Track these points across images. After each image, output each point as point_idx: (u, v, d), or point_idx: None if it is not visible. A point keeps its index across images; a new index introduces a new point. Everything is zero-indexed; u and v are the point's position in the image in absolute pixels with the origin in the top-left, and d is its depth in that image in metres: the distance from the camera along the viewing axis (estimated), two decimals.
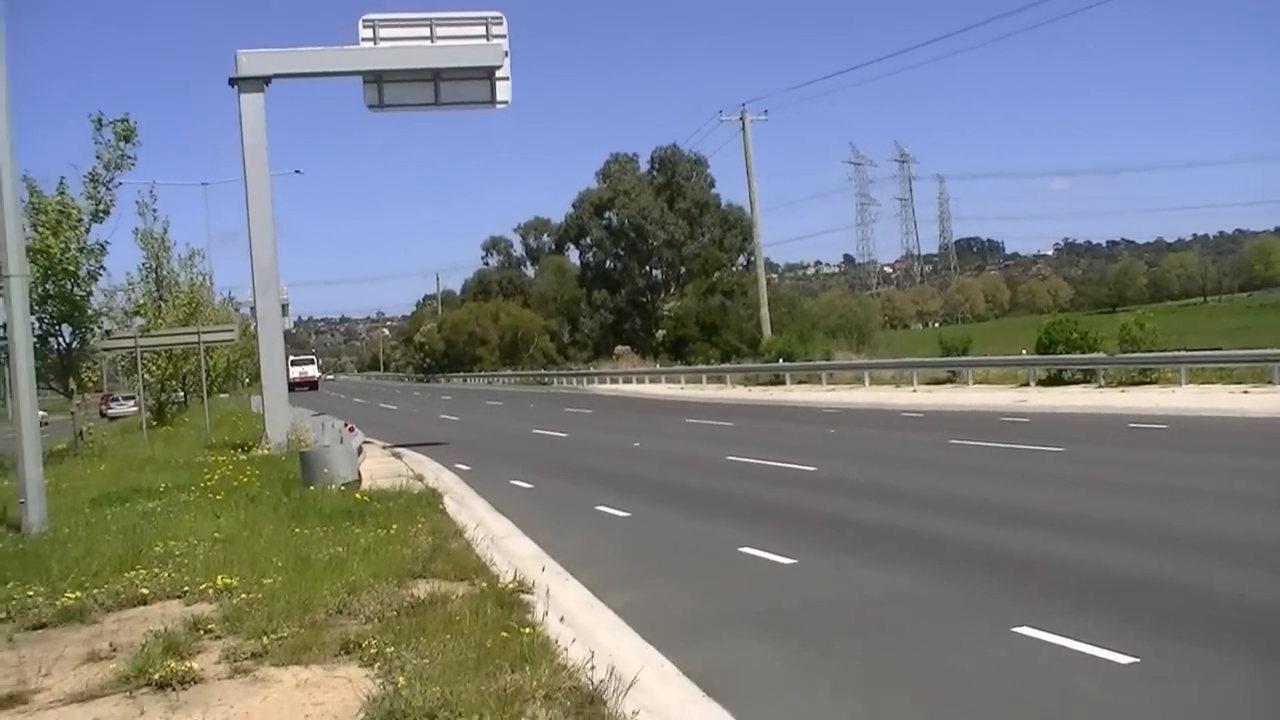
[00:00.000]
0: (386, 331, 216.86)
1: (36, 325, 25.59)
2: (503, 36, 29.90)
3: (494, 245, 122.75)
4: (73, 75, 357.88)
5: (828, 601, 9.99)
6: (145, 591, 10.25)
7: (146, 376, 41.77)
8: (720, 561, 12.13)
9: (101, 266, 28.45)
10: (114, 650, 8.32)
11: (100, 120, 27.31)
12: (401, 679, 6.96)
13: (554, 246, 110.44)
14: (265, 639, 8.25)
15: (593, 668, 7.31)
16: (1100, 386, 33.45)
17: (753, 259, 70.85)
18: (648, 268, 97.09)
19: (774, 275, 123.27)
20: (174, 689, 7.40)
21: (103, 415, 67.99)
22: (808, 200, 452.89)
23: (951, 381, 40.72)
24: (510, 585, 10.03)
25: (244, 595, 9.70)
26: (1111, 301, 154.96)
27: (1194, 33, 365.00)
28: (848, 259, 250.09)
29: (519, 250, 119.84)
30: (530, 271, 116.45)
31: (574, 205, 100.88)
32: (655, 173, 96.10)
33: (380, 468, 23.15)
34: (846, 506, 15.47)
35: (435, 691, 6.68)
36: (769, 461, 21.10)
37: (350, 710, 6.78)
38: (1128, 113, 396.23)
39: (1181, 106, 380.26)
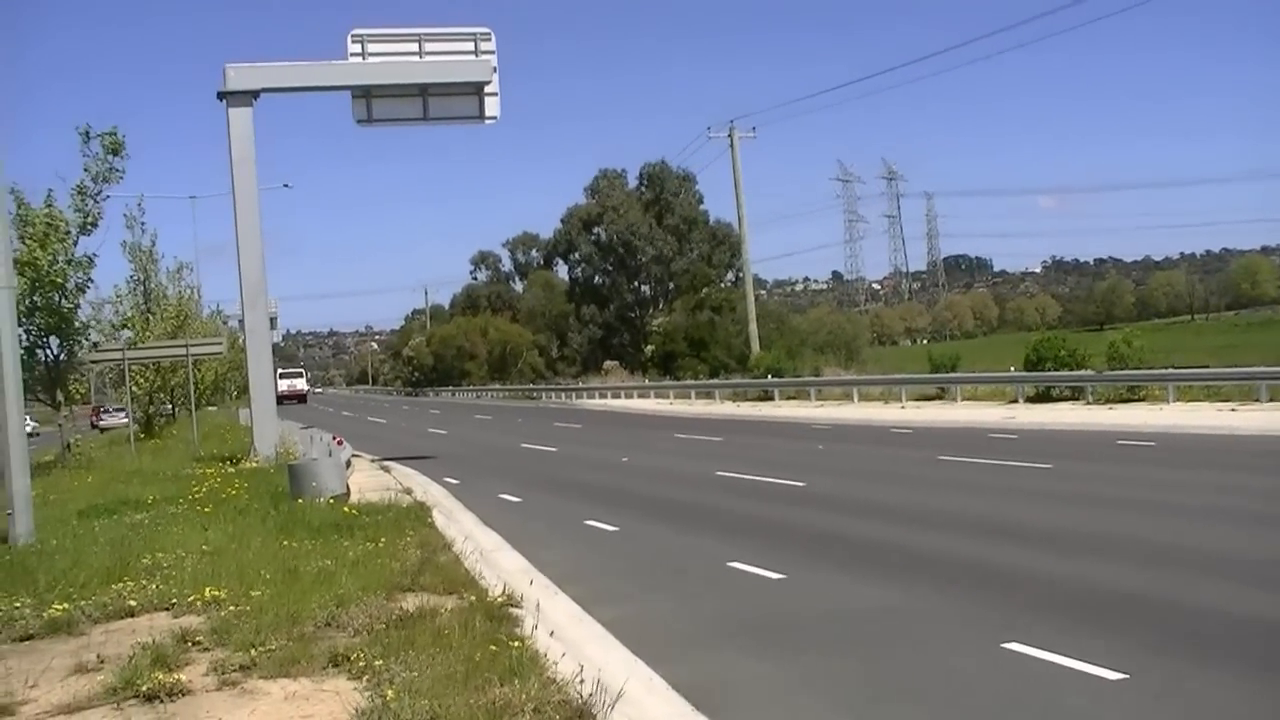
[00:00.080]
0: (375, 345, 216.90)
1: (24, 337, 25.50)
2: (491, 53, 29.95)
3: (483, 260, 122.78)
4: (59, 87, 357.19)
5: (816, 616, 9.99)
6: (133, 603, 10.21)
7: (134, 389, 41.63)
8: (709, 576, 12.13)
9: (89, 279, 28.40)
10: (101, 662, 8.29)
11: (88, 133, 27.27)
12: (390, 692, 6.95)
13: (542, 261, 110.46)
14: (253, 651, 8.22)
15: (581, 681, 7.30)
16: (1088, 403, 33.52)
17: (741, 275, 70.96)
18: (636, 283, 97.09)
19: (762, 291, 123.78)
20: (161, 701, 7.38)
21: (94, 426, 68.13)
22: (796, 217, 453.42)
23: (940, 398, 40.77)
24: (499, 599, 10.02)
25: (232, 607, 9.68)
26: (1099, 319, 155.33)
27: (1183, 49, 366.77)
28: (836, 276, 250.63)
29: (507, 265, 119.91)
30: (519, 286, 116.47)
31: (562, 220, 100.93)
32: (644, 189, 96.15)
33: (369, 481, 23.11)
34: (835, 522, 15.48)
35: (424, 705, 6.68)
36: (758, 477, 21.11)
37: None
38: (1116, 131, 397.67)
39: (1170, 125, 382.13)
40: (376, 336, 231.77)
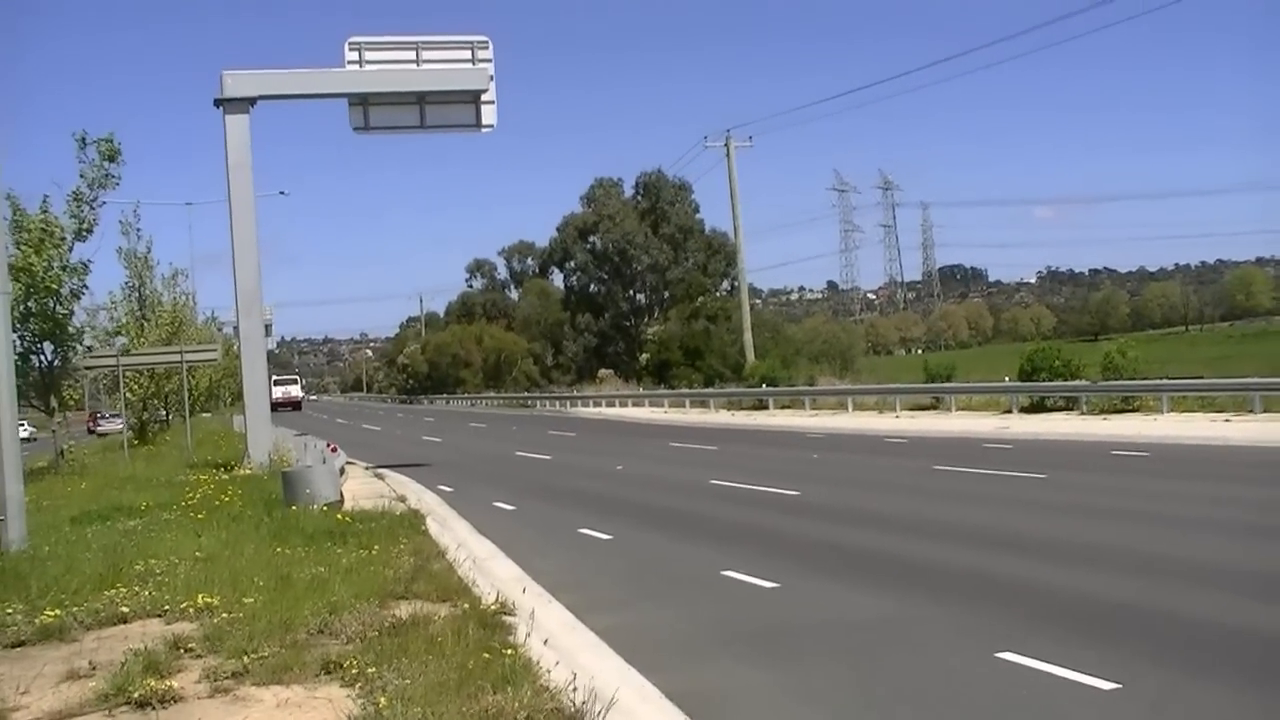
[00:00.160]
0: (370, 353, 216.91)
1: (18, 343, 25.51)
2: (488, 61, 29.97)
3: (478, 268, 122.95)
4: (56, 93, 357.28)
5: (810, 625, 9.99)
6: (125, 610, 10.19)
7: (129, 395, 41.63)
8: (703, 585, 12.12)
9: (84, 285, 28.44)
10: (93, 668, 8.27)
11: (84, 139, 27.31)
12: (383, 699, 6.94)
13: (538, 270, 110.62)
14: (246, 658, 8.21)
15: (575, 689, 7.30)
16: (1083, 414, 33.56)
17: (736, 284, 71.06)
18: (631, 292, 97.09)
19: (758, 300, 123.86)
20: (154, 708, 7.37)
21: (91, 432, 68.40)
22: (792, 226, 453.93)
23: (935, 407, 40.81)
24: (492, 607, 10.01)
25: (225, 614, 9.66)
26: (1094, 330, 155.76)
27: (1180, 61, 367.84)
28: (831, 285, 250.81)
29: (503, 273, 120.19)
30: (514, 295, 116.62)
31: (558, 229, 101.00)
32: (640, 197, 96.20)
33: (363, 488, 23.09)
34: (829, 531, 15.47)
35: (417, 712, 6.67)
36: (752, 486, 21.10)
37: None
38: (1111, 142, 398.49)
39: (1165, 136, 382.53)
40: (371, 344, 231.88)
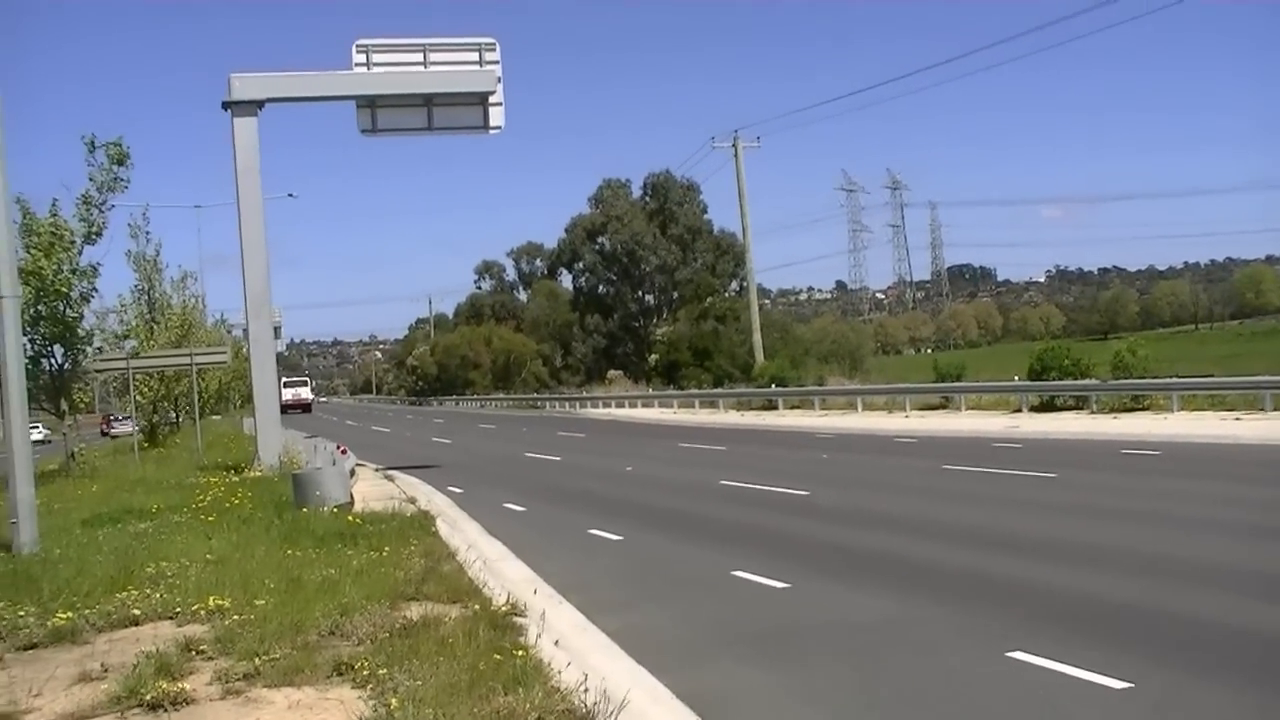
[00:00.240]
0: (379, 354, 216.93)
1: (29, 346, 25.56)
2: (496, 62, 29.97)
3: (487, 269, 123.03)
4: (64, 96, 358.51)
5: (821, 626, 9.98)
6: (137, 612, 10.21)
7: (138, 398, 41.71)
8: (713, 585, 12.11)
9: (94, 288, 28.47)
10: (105, 671, 8.29)
11: (93, 143, 27.34)
12: (394, 701, 6.94)
13: (546, 271, 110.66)
14: (257, 660, 8.22)
15: (586, 690, 7.29)
16: (1092, 413, 33.51)
17: (745, 284, 71.05)
18: (640, 293, 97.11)
19: (766, 301, 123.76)
20: (165, 710, 7.38)
21: (104, 434, 68.89)
22: (800, 226, 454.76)
23: (944, 407, 40.76)
24: (503, 608, 10.01)
25: (236, 616, 9.67)
26: (1103, 329, 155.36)
27: (1189, 60, 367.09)
28: (840, 285, 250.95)
29: (511, 274, 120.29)
30: (523, 296, 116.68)
31: (567, 230, 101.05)
32: (648, 198, 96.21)
33: (373, 490, 23.11)
34: (839, 532, 15.45)
35: (428, 713, 6.68)
36: (762, 486, 21.08)
37: None
38: (1120, 141, 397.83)
39: (1174, 135, 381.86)
40: (381, 346, 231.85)
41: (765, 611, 10.72)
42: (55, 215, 26.82)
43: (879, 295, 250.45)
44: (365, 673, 7.80)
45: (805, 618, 10.34)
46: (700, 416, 52.87)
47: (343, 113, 30.34)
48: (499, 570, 13.44)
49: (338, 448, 27.46)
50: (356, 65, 29.30)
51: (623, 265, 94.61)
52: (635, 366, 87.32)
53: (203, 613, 10.05)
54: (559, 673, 7.85)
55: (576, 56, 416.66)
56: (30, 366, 24.82)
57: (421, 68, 29.60)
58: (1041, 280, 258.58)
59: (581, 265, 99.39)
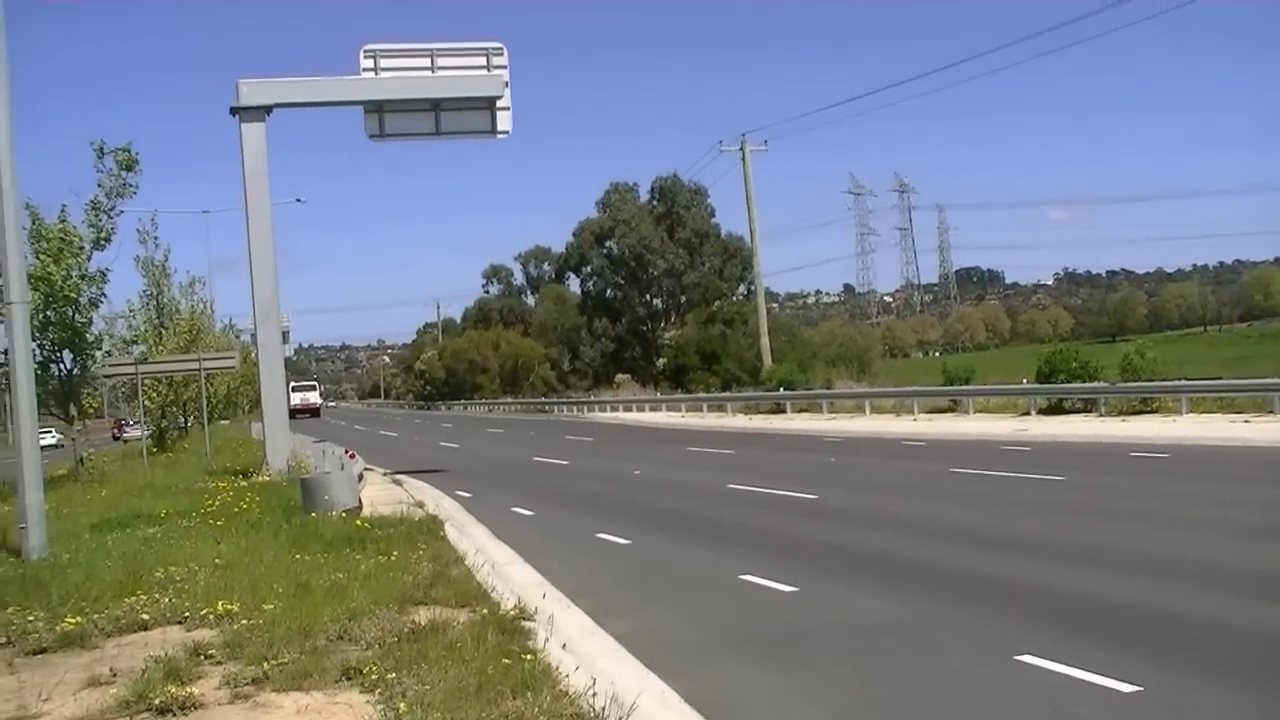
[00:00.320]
0: (387, 359, 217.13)
1: (37, 352, 25.57)
2: (503, 67, 29.98)
3: (495, 273, 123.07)
4: (72, 101, 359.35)
5: (828, 629, 9.97)
6: (146, 617, 10.23)
7: (147, 403, 41.76)
8: (721, 589, 12.11)
9: (103, 294, 28.48)
10: (114, 675, 8.30)
11: (102, 149, 27.36)
12: (403, 705, 6.95)
13: (554, 275, 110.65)
14: (266, 665, 8.23)
15: (594, 694, 7.30)
16: (1101, 415, 33.46)
17: (753, 288, 71.01)
18: (648, 297, 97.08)
19: (774, 304, 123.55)
20: (174, 714, 7.39)
21: (116, 439, 69.05)
22: (808, 230, 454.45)
23: (952, 410, 40.73)
24: (511, 612, 10.01)
25: (245, 621, 9.68)
26: (1111, 331, 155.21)
27: (1195, 60, 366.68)
28: (848, 288, 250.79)
29: (519, 279, 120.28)
30: (531, 300, 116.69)
31: (574, 234, 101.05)
32: (655, 202, 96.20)
33: (381, 494, 23.11)
34: (847, 534, 15.44)
35: (437, 718, 6.69)
36: (770, 489, 21.08)
37: None
38: (1128, 143, 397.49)
39: (1182, 137, 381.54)
40: (389, 350, 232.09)
41: (773, 615, 10.72)
42: (64, 221, 26.86)
43: (887, 298, 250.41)
44: (374, 677, 7.80)
45: (813, 621, 10.33)
46: (708, 420, 52.87)
47: (350, 118, 30.35)
48: (507, 574, 13.44)
49: (346, 452, 27.49)
50: (364, 70, 29.32)
51: (630, 269, 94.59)
52: (643, 370, 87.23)
53: (211, 617, 10.05)
54: (567, 676, 7.85)
55: (583, 61, 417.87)
56: (39, 372, 24.87)
57: (429, 73, 29.61)
58: (1049, 283, 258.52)
59: (589, 269, 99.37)
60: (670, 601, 11.77)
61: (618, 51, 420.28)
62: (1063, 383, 36.81)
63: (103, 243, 27.55)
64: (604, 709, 7.03)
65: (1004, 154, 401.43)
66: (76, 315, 27.40)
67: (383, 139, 30.47)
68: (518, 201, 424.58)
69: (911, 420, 39.58)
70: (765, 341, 61.18)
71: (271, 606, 10.07)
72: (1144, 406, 33.45)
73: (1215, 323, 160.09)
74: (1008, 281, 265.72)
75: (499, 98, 29.89)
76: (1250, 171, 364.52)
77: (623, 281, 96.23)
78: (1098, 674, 7.81)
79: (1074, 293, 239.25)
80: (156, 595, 11.07)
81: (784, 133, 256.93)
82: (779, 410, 50.49)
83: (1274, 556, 12.00)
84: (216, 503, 19.22)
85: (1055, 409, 36.13)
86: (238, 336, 65.80)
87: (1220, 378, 35.39)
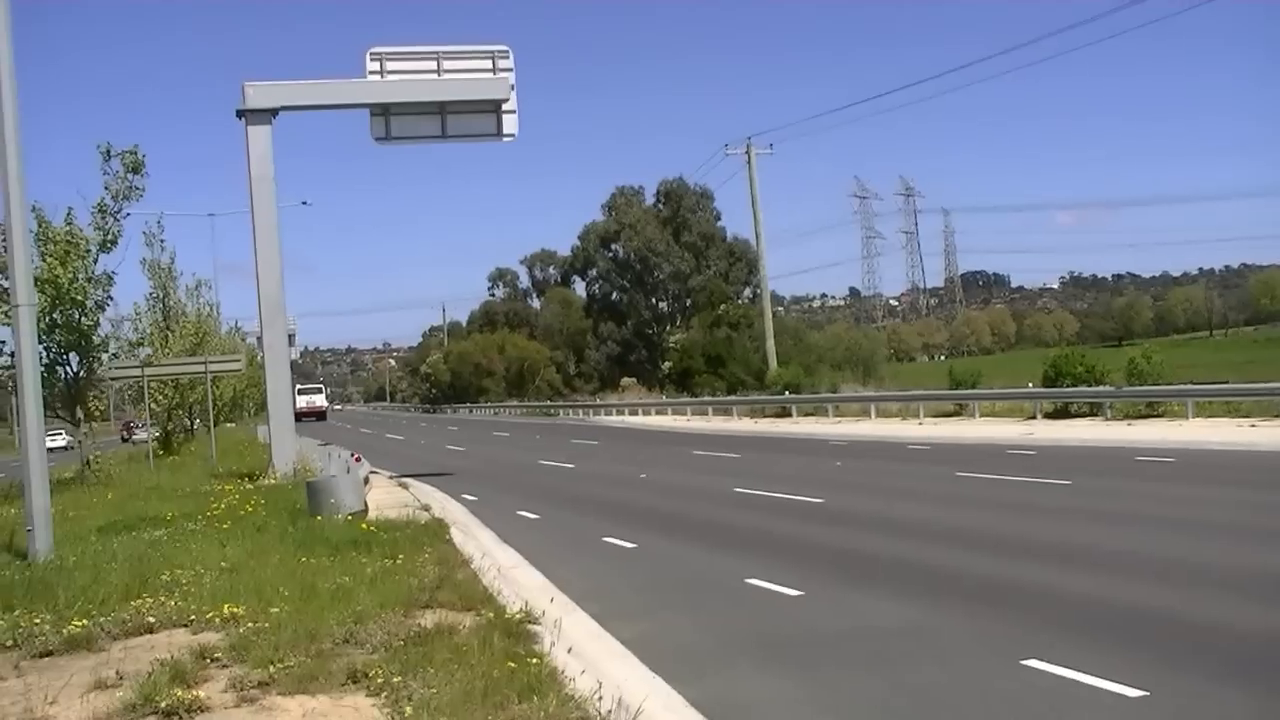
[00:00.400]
0: (393, 362, 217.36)
1: (44, 354, 25.58)
2: (509, 70, 30.03)
3: (500, 277, 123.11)
4: (79, 104, 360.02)
5: (834, 633, 9.96)
6: (152, 620, 10.22)
7: (153, 406, 41.78)
8: (727, 593, 12.10)
9: (109, 296, 28.48)
10: (120, 678, 8.30)
11: (109, 151, 27.35)
12: (408, 709, 6.95)
13: (560, 278, 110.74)
14: (272, 668, 8.22)
15: (600, 699, 7.30)
16: (1107, 419, 33.41)
17: (758, 291, 71.07)
18: (654, 300, 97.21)
19: (780, 308, 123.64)
20: (180, 718, 7.38)
21: (125, 440, 69.25)
22: (813, 233, 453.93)
23: (958, 414, 40.69)
24: (517, 616, 10.00)
25: (250, 624, 9.68)
26: (1117, 335, 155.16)
27: (1200, 63, 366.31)
28: (853, 292, 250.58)
29: (525, 282, 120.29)
30: (536, 303, 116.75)
31: (580, 237, 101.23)
32: (661, 205, 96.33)
33: (387, 498, 23.11)
34: (853, 538, 15.44)
35: None
36: (775, 493, 21.07)
37: None
38: (1134, 146, 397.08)
39: (1188, 140, 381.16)
40: (394, 353, 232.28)
41: (779, 619, 10.71)
42: (71, 223, 26.86)
43: (892, 302, 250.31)
44: (379, 680, 7.79)
45: (819, 625, 10.32)
46: (714, 423, 52.86)
47: (356, 120, 30.44)
48: (513, 578, 13.45)
49: (352, 455, 27.52)
50: (370, 73, 29.38)
51: (636, 272, 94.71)
52: (649, 373, 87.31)
53: (217, 620, 10.05)
54: (573, 681, 7.85)
55: (589, 64, 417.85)
56: (45, 374, 24.85)
57: (435, 76, 29.65)
58: (1055, 286, 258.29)
59: (595, 272, 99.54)
60: (676, 605, 11.77)
61: (623, 55, 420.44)
62: (1068, 387, 36.77)
63: (109, 245, 27.55)
64: (610, 713, 7.03)
65: (1010, 157, 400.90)
66: (83, 318, 27.38)
67: (388, 142, 30.55)
68: (523, 205, 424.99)
69: (917, 424, 39.55)
70: (771, 345, 61.13)
71: (277, 610, 10.06)
72: (1150, 410, 33.40)
73: (1221, 327, 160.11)
74: (1013, 285, 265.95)
75: (504, 101, 29.94)
76: (1257, 175, 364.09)
77: (628, 285, 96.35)
78: (1104, 679, 7.80)
79: (1080, 296, 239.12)
80: (162, 598, 11.06)
81: (789, 136, 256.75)
82: (784, 414, 50.46)
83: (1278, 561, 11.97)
84: (222, 506, 19.21)
85: (1061, 413, 36.08)
86: (243, 339, 65.82)
87: (1226, 382, 35.34)
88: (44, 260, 25.63)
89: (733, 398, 59.31)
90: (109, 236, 27.40)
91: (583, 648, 9.45)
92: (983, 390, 42.58)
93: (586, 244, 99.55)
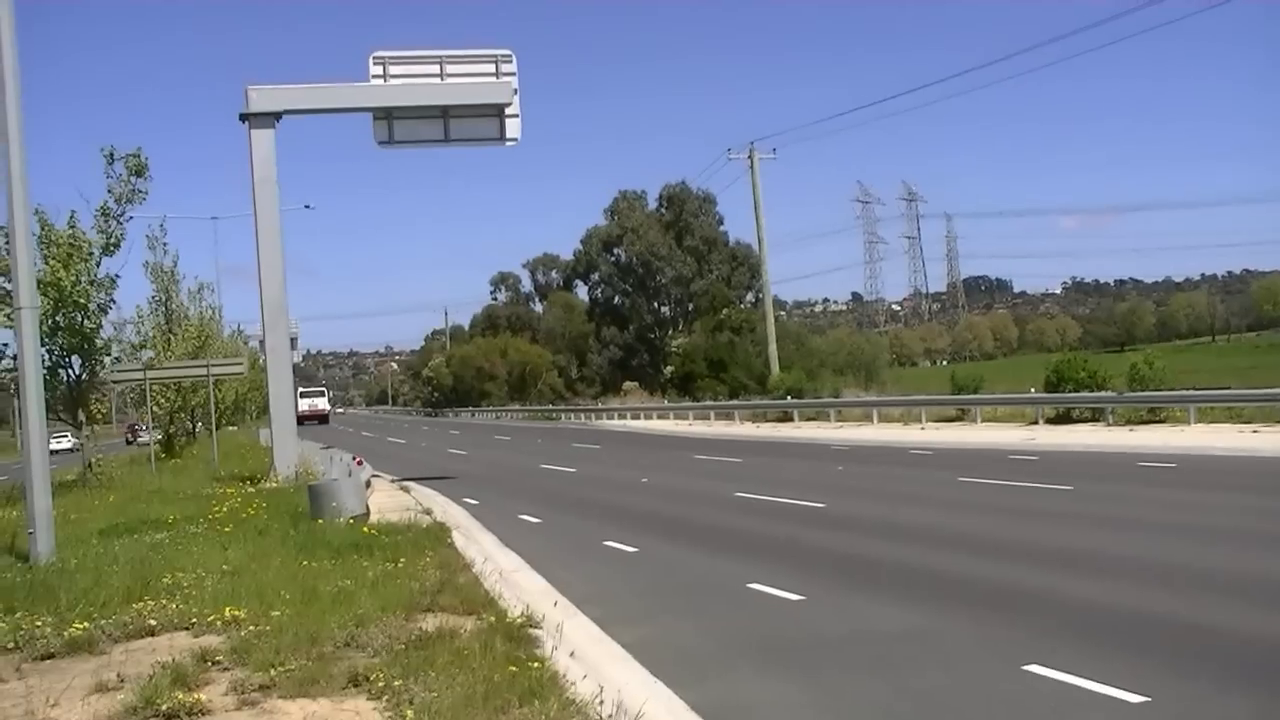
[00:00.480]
0: (395, 366, 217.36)
1: (46, 357, 25.57)
2: (512, 74, 30.03)
3: (502, 280, 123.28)
4: (82, 107, 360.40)
5: (836, 638, 9.95)
6: (153, 623, 10.22)
7: (155, 409, 41.80)
8: (728, 597, 12.09)
9: (112, 299, 28.48)
10: (122, 681, 8.29)
11: (112, 154, 27.36)
12: (410, 712, 6.95)
13: (562, 282, 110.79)
14: (273, 671, 8.22)
15: (601, 703, 7.30)
16: (1109, 425, 33.39)
17: (761, 296, 71.05)
18: (656, 304, 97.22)
19: (782, 312, 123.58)
20: None
21: (129, 443, 69.17)
22: (816, 237, 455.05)
23: (960, 419, 40.68)
24: (518, 620, 9.99)
25: (252, 627, 9.68)
26: (1119, 340, 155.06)
27: (1203, 69, 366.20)
28: (856, 296, 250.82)
29: (527, 286, 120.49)
30: (538, 307, 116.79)
31: (582, 241, 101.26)
32: (664, 210, 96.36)
33: (388, 501, 23.12)
34: (855, 543, 15.42)
35: None
36: (777, 498, 21.05)
37: None
38: (1136, 152, 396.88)
39: (1190, 146, 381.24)
40: (396, 357, 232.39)
41: (780, 623, 10.70)
42: (74, 226, 26.86)
43: (895, 307, 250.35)
44: (381, 684, 7.79)
45: (820, 630, 10.31)
46: (716, 428, 52.85)
47: (359, 124, 30.43)
48: (515, 582, 13.45)
49: (354, 459, 27.54)
50: (373, 77, 29.41)
51: (638, 276, 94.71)
52: (651, 378, 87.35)
53: (219, 623, 10.05)
54: (574, 684, 7.84)
55: (592, 68, 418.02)
56: (48, 377, 24.85)
57: (438, 80, 29.67)
58: (1058, 292, 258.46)
59: (597, 276, 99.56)
60: (677, 609, 11.76)
61: (626, 59, 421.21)
62: (1070, 392, 36.76)
63: (112, 248, 27.55)
64: (611, 717, 7.02)
65: (1012, 162, 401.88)
66: (85, 320, 27.37)
67: (391, 145, 30.56)
68: (526, 208, 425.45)
69: (919, 429, 39.52)
70: (773, 349, 61.14)
71: (279, 613, 10.07)
72: (1152, 416, 33.39)
73: (1224, 332, 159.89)
74: (1016, 290, 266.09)
75: (507, 104, 29.95)
76: (1259, 181, 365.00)
77: (630, 289, 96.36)
78: (1107, 684, 7.79)
79: (1082, 302, 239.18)
80: (164, 601, 11.07)
81: (792, 140, 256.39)
82: (786, 418, 50.45)
83: None
84: (224, 509, 19.22)
85: (1063, 418, 36.07)
86: (246, 342, 65.86)
87: (1229, 387, 35.34)
88: (47, 263, 25.63)
89: (735, 402, 59.36)
90: (112, 239, 27.39)
91: (584, 652, 9.45)
92: (985, 395, 42.57)
93: (589, 248, 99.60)
